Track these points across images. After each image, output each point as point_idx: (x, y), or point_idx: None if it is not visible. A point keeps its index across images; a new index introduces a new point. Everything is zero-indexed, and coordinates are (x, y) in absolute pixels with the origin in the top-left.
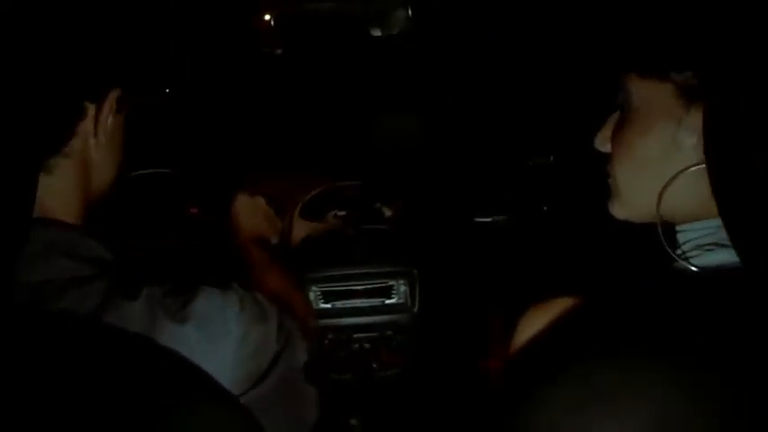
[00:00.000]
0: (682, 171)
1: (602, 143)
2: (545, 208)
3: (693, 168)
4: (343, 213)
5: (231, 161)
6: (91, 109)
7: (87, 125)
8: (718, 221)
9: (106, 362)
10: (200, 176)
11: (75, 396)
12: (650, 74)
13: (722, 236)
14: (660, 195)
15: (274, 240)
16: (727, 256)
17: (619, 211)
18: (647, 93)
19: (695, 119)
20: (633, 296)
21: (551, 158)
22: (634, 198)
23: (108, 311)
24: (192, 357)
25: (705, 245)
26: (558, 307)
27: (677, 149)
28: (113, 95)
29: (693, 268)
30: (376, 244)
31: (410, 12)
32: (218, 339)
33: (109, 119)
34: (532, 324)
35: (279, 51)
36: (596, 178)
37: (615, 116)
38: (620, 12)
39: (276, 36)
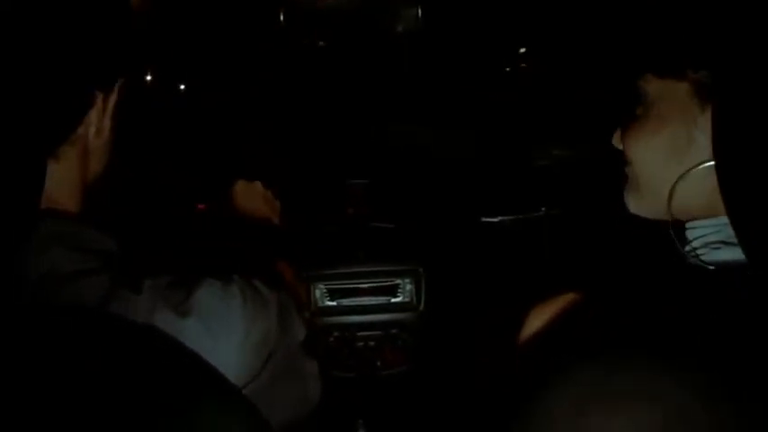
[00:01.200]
0: (692, 168)
1: (620, 140)
2: (543, 209)
3: (705, 165)
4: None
5: (240, 158)
6: (98, 96)
7: (93, 112)
8: (726, 219)
9: (111, 355)
10: (209, 173)
11: (79, 391)
12: (667, 73)
13: (729, 233)
14: (671, 192)
15: (275, 221)
16: (733, 254)
17: (633, 202)
18: (663, 91)
19: (710, 117)
20: (639, 293)
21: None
22: (648, 189)
23: (112, 303)
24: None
25: (712, 242)
26: (563, 303)
27: (691, 147)
28: (119, 84)
29: (708, 266)
30: (382, 242)
31: (420, 11)
32: (221, 334)
33: (112, 107)
34: (538, 320)
35: (321, 44)
36: (606, 177)
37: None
38: (637, 11)
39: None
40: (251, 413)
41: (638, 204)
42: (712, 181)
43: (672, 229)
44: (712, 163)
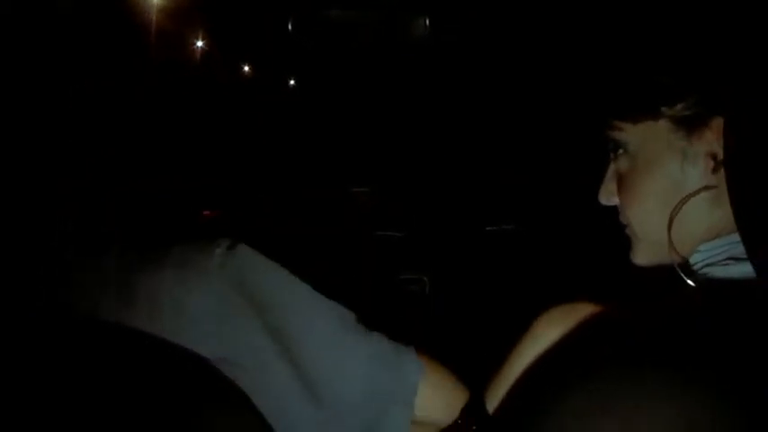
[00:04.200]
0: (690, 196)
1: (608, 197)
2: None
3: (702, 194)
4: None
5: (247, 165)
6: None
7: None
8: (732, 238)
9: (126, 365)
10: (217, 180)
11: (96, 398)
12: (643, 116)
13: (737, 251)
14: (670, 222)
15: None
16: (743, 269)
17: (641, 257)
18: (643, 135)
19: (698, 147)
20: (647, 307)
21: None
22: (654, 240)
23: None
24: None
25: (720, 261)
26: (573, 313)
27: (686, 180)
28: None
29: (711, 282)
30: (387, 250)
31: (428, 20)
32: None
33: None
34: (547, 327)
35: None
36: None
37: (612, 167)
38: (604, 59)
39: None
40: (253, 415)
41: (645, 257)
42: (710, 207)
43: (677, 265)
44: (710, 189)
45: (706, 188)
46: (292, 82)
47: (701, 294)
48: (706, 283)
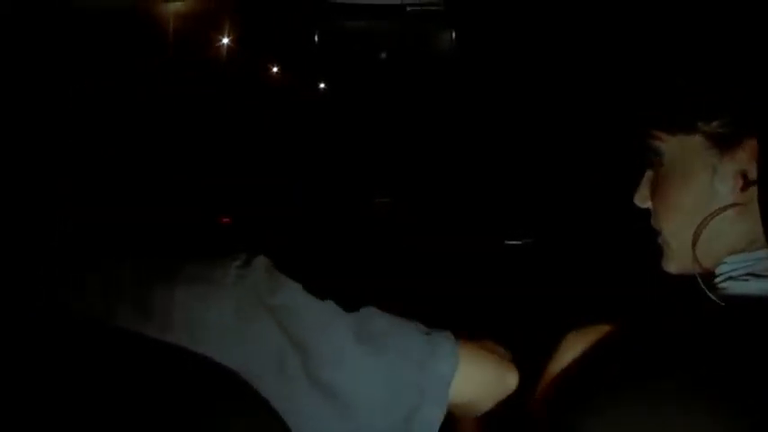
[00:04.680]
0: (715, 213)
1: (643, 200)
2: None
3: (729, 210)
4: None
5: (268, 172)
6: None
7: None
8: (756, 254)
9: (143, 370)
10: (236, 186)
11: (100, 399)
12: (680, 128)
13: (759, 267)
14: (695, 239)
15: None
16: (761, 286)
17: (673, 266)
18: (678, 147)
19: (729, 165)
20: (669, 326)
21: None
22: (685, 251)
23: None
24: None
25: (740, 276)
26: (596, 334)
27: (715, 196)
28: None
29: (729, 299)
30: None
31: (454, 34)
32: None
33: None
34: (571, 350)
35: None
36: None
37: (649, 174)
38: (642, 71)
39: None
40: (272, 417)
41: (676, 266)
42: (735, 224)
43: (699, 276)
44: (736, 206)
45: (733, 206)
46: (322, 85)
47: (718, 310)
48: (725, 299)
